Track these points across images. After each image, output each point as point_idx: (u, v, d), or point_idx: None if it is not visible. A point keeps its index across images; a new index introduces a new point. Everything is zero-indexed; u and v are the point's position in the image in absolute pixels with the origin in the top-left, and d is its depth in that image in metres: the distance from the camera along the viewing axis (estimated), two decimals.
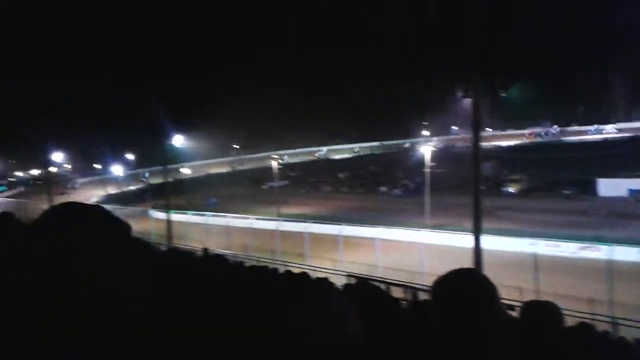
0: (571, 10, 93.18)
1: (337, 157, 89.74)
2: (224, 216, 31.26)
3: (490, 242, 18.68)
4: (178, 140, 41.46)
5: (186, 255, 6.30)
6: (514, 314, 3.40)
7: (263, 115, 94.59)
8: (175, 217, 31.36)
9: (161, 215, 33.04)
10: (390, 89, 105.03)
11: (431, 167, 38.69)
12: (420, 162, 41.28)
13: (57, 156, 59.78)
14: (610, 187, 40.71)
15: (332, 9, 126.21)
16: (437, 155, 46.22)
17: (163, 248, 17.97)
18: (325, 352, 1.19)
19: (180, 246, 22.23)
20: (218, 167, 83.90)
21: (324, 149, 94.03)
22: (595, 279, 17.43)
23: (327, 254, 23.37)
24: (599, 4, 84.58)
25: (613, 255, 18.20)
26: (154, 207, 40.77)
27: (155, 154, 33.98)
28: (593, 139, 71.31)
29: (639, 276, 17.99)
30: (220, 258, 5.17)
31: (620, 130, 75.68)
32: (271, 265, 9.96)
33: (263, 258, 22.29)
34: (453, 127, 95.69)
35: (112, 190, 63.17)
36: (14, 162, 76.21)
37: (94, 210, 1.11)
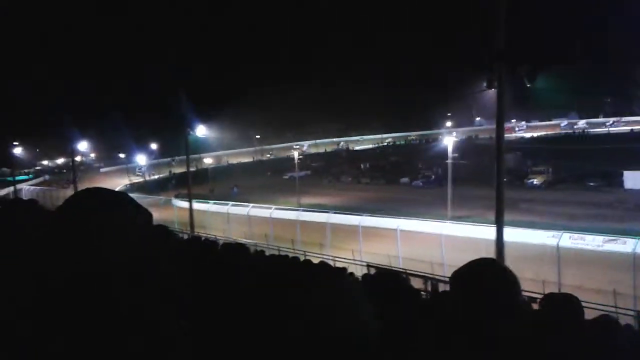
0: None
1: (359, 147, 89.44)
2: (245, 206, 31.45)
3: (513, 235, 18.45)
4: (201, 130, 41.67)
5: (208, 244, 6.38)
6: (536, 306, 3.37)
7: (285, 105, 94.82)
8: (198, 206, 31.67)
9: (184, 204, 33.40)
10: (413, 79, 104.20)
11: (453, 158, 38.29)
12: (443, 154, 40.91)
13: (82, 145, 60.69)
14: (636, 179, 39.85)
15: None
16: (459, 147, 45.75)
17: (185, 236, 18.24)
18: (339, 340, 1.20)
19: (202, 234, 22.50)
20: (240, 157, 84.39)
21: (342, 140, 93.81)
22: (620, 272, 17.12)
23: (347, 244, 23.37)
24: None
25: (639, 248, 17.83)
26: (176, 196, 41.24)
27: (179, 143, 34.27)
28: (619, 130, 69.77)
29: None
30: (241, 246, 5.22)
31: None
32: (291, 255, 10.02)
33: (283, 247, 22.42)
34: (477, 118, 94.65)
35: (135, 179, 64.11)
36: (38, 150, 77.62)
37: (118, 195, 1.14)
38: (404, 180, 54.23)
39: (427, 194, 43.45)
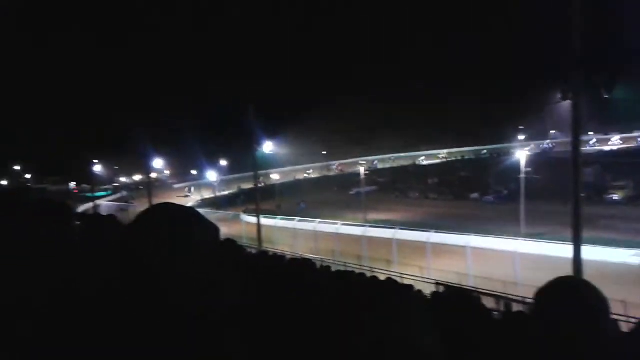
0: None
1: (427, 162, 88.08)
2: (312, 221, 31.69)
3: (591, 253, 17.50)
4: (268, 147, 42.63)
5: (275, 258, 6.46)
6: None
7: (352, 121, 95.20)
8: (265, 221, 32.25)
9: (252, 219, 34.12)
10: (484, 92, 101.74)
11: (527, 173, 36.90)
12: (515, 168, 39.56)
13: (158, 163, 63.60)
14: None
15: (425, 12, 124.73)
16: (533, 161, 44.07)
17: (253, 251, 18.58)
18: None
19: (270, 249, 22.85)
20: (307, 172, 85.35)
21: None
22: None
23: (414, 261, 22.97)
24: None
25: None
26: (245, 212, 42.22)
27: (247, 160, 35.16)
28: None
29: None
30: (307, 262, 5.24)
31: None
32: (358, 271, 9.94)
33: (350, 263, 22.34)
34: (552, 131, 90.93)
35: (206, 194, 66.34)
36: (117, 167, 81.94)
37: (188, 211, 1.16)
38: (474, 196, 52.83)
39: (498, 210, 42.08)
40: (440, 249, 23.92)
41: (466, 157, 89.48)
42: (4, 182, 67.76)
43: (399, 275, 18.92)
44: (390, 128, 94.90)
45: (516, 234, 28.23)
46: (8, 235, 1.67)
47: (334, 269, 8.90)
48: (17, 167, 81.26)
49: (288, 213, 40.17)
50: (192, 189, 68.80)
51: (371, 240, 26.43)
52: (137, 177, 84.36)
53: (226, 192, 68.34)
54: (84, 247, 1.94)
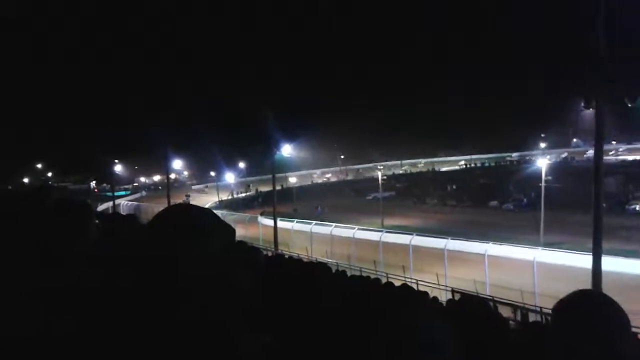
0: None
1: (445, 168, 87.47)
2: (328, 225, 31.66)
3: (611, 263, 17.19)
4: (287, 150, 42.71)
5: (290, 261, 6.46)
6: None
7: (370, 126, 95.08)
8: (282, 224, 32.30)
9: (268, 221, 34.20)
10: (506, 98, 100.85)
11: (548, 181, 36.42)
12: (536, 176, 39.07)
13: (177, 164, 64.19)
14: None
15: (448, 20, 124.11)
16: (554, 169, 43.50)
17: (269, 253, 18.63)
18: None
19: (286, 252, 22.89)
20: (324, 176, 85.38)
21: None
22: None
23: (431, 267, 22.78)
24: None
25: None
26: (262, 214, 42.34)
27: (265, 162, 35.29)
28: None
29: None
30: (323, 266, 5.23)
31: None
32: (373, 276, 9.91)
33: (365, 268, 22.24)
34: (574, 139, 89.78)
35: (223, 196, 66.70)
36: (136, 167, 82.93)
37: (205, 212, 1.18)
38: (493, 204, 52.27)
39: (517, 218, 41.58)
40: (458, 256, 23.69)
41: (486, 164, 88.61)
42: (26, 180, 69.01)
43: (415, 281, 18.79)
44: (409, 134, 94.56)
45: (535, 243, 27.85)
46: (30, 232, 1.70)
47: (349, 273, 8.89)
48: (39, 165, 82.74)
49: (305, 217, 40.20)
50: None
51: (387, 245, 26.28)
52: (157, 178, 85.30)
53: (244, 194, 68.66)
54: (103, 245, 1.97)
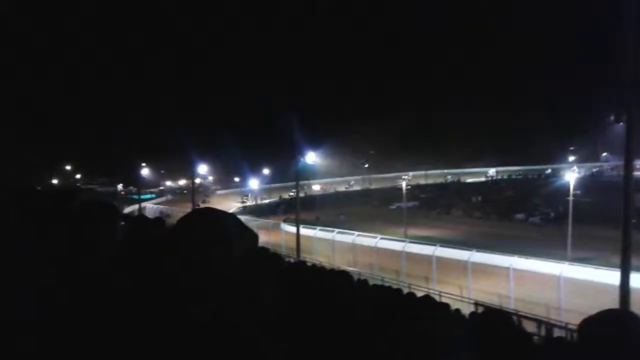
0: None
1: (470, 180, 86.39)
2: (351, 233, 31.56)
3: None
4: (311, 157, 42.81)
5: (312, 269, 6.45)
6: None
7: (395, 135, 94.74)
8: (304, 231, 32.32)
9: (291, 228, 34.26)
10: (533, 110, 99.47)
11: (576, 195, 35.70)
12: (564, 190, 38.36)
13: (202, 168, 64.92)
14: None
15: (479, 29, 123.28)
16: (582, 183, 42.63)
17: (291, 260, 18.65)
18: None
19: (308, 260, 22.87)
20: (347, 184, 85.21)
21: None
22: None
23: (454, 279, 22.50)
24: None
25: None
26: (285, 221, 42.44)
27: (290, 169, 35.43)
28: None
29: None
30: (344, 274, 5.22)
31: None
32: (395, 286, 9.83)
33: (387, 278, 22.08)
34: (604, 153, 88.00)
35: (248, 202, 67.18)
36: (163, 172, 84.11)
37: (227, 216, 1.19)
38: (520, 217, 51.42)
39: (544, 232, 40.83)
40: (482, 269, 23.35)
41: (513, 177, 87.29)
42: (55, 181, 70.60)
43: (437, 293, 18.58)
44: (435, 144, 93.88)
45: (562, 258, 27.28)
46: (60, 232, 1.75)
47: (371, 282, 8.84)
48: (68, 167, 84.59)
49: (327, 224, 40.14)
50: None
51: (410, 255, 26.07)
52: (182, 182, 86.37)
53: (267, 201, 68.98)
54: (129, 247, 2.01)
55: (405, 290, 7.47)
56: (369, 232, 33.85)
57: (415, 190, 72.21)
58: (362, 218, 50.08)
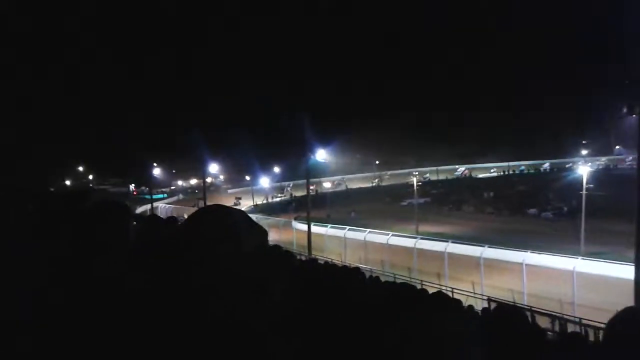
0: None
1: (482, 175, 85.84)
2: (362, 231, 31.53)
3: None
4: (321, 155, 42.77)
5: (323, 266, 6.47)
6: None
7: (406, 131, 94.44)
8: (315, 229, 32.35)
9: (302, 226, 34.31)
10: (545, 103, 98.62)
11: (590, 189, 35.36)
12: (577, 184, 38.02)
13: (213, 167, 65.19)
14: None
15: (490, 23, 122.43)
16: (595, 177, 42.23)
17: (303, 258, 18.68)
18: None
19: (319, 257, 22.90)
20: (359, 181, 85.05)
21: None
22: None
23: (466, 275, 22.41)
24: None
25: None
26: (296, 219, 42.50)
27: (300, 167, 35.46)
28: None
29: None
30: (356, 271, 5.22)
31: None
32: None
33: (399, 275, 22.06)
34: (617, 147, 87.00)
35: (258, 200, 67.34)
36: (174, 171, 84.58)
37: (237, 213, 1.20)
38: (532, 212, 51.03)
39: (557, 227, 40.51)
40: (495, 265, 23.24)
41: (525, 171, 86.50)
42: (68, 182, 71.30)
43: (450, 289, 18.54)
44: (446, 139, 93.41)
45: (575, 252, 27.06)
46: (73, 232, 1.76)
47: (382, 279, 8.83)
48: (80, 168, 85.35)
49: (338, 222, 40.14)
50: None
51: (422, 252, 26.00)
52: (193, 181, 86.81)
53: (278, 199, 69.09)
54: (140, 246, 2.02)
55: (418, 287, 7.44)
56: (381, 229, 33.79)
57: (427, 186, 71.85)
58: (374, 215, 49.99)
